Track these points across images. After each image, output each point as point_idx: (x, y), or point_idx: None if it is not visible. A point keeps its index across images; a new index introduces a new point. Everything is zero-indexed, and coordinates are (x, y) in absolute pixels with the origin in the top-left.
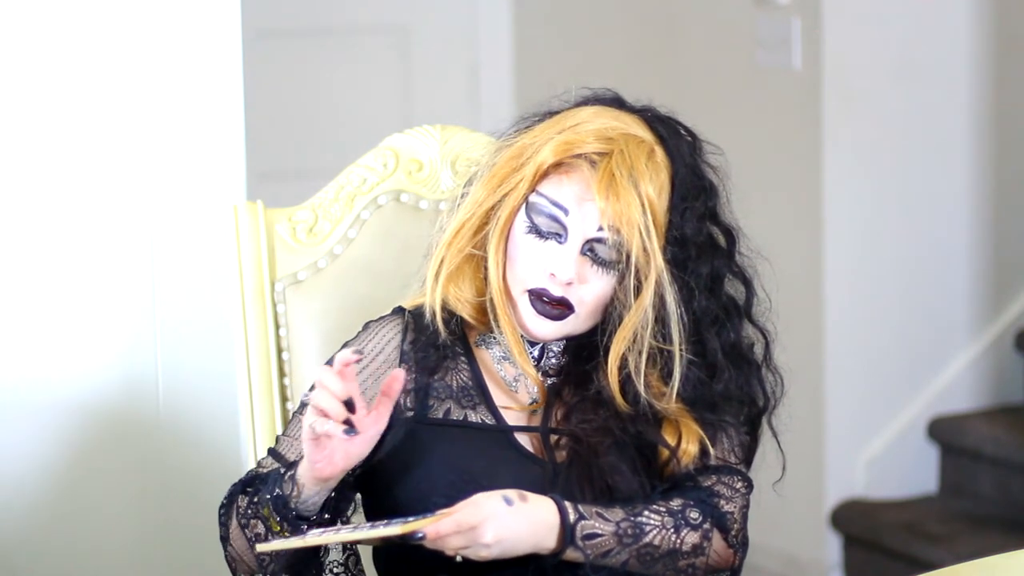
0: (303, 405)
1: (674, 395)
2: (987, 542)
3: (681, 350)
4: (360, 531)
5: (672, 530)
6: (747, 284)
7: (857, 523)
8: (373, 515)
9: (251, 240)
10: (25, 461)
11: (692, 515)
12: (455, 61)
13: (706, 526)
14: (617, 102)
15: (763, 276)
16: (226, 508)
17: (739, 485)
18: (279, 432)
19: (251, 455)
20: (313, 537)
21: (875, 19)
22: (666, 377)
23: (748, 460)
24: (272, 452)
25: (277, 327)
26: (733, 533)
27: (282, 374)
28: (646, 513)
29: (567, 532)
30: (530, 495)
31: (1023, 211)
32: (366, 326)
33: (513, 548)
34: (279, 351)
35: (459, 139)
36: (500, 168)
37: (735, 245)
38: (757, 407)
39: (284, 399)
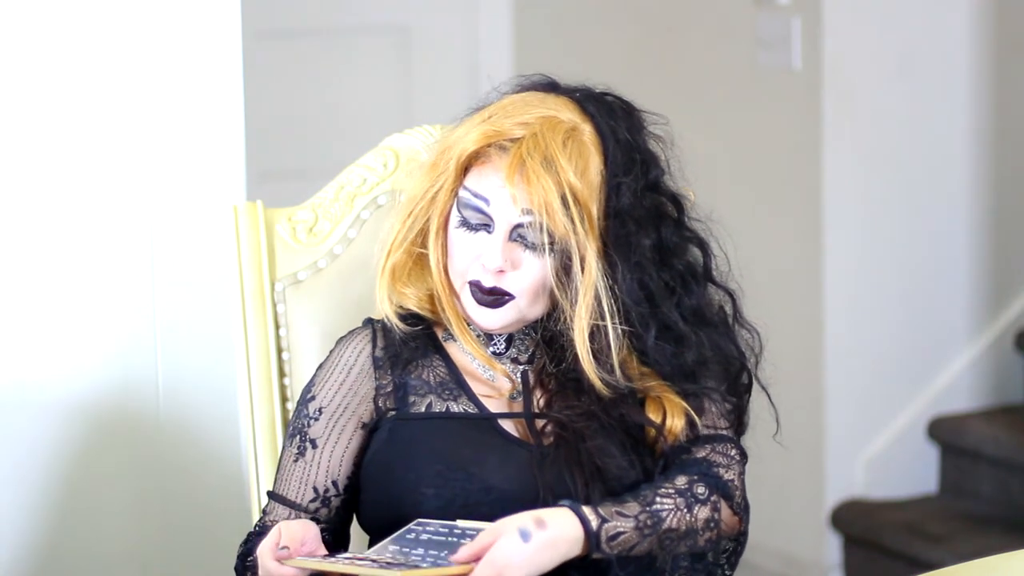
0: (292, 435)
1: (616, 366)
2: (987, 542)
3: (615, 325)
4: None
5: (685, 510)
6: (702, 248)
7: (857, 523)
8: (367, 512)
9: (251, 240)
10: (25, 461)
11: (699, 490)
12: (455, 61)
13: (713, 498)
14: (550, 86)
15: (719, 238)
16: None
17: (733, 452)
18: (278, 434)
19: (251, 455)
20: (342, 564)
21: (875, 19)
22: (639, 355)
23: (738, 425)
24: (272, 496)
25: (277, 327)
26: (737, 500)
27: (282, 374)
28: (658, 499)
29: (592, 540)
30: (547, 515)
31: (1023, 211)
32: (338, 342)
33: (541, 571)
34: (279, 351)
35: None
36: (431, 165)
37: (683, 212)
38: (736, 365)
39: (284, 399)
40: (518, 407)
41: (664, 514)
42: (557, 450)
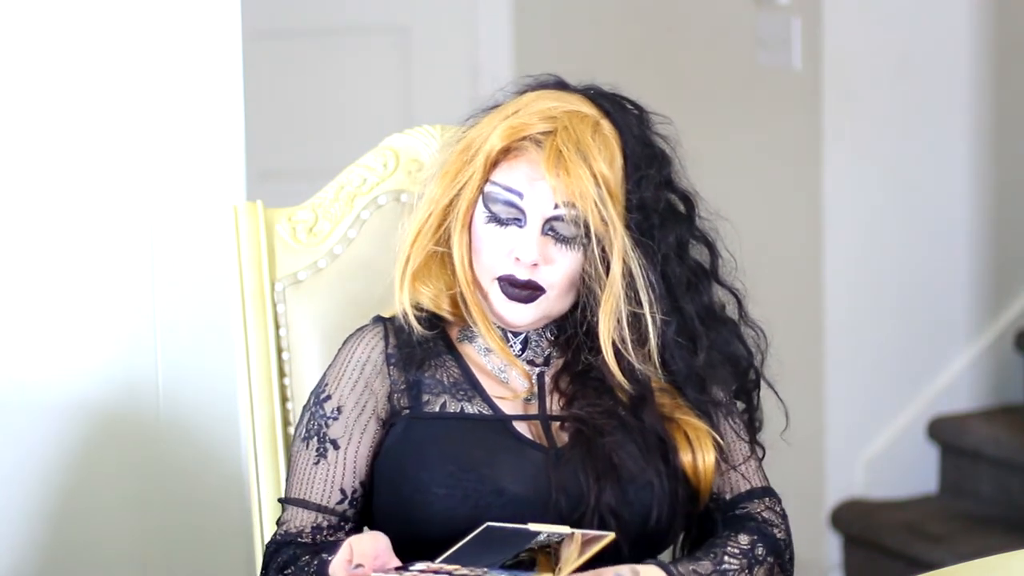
0: (307, 437)
1: (654, 355)
2: (987, 542)
3: (653, 313)
4: None
5: (747, 571)
6: (710, 247)
7: (857, 523)
8: (380, 512)
9: (251, 240)
10: (25, 461)
11: (759, 551)
12: (455, 61)
13: (770, 559)
14: (560, 84)
15: (725, 237)
16: None
17: (779, 508)
18: (278, 434)
19: (251, 455)
20: None
21: (875, 19)
22: (659, 351)
23: (750, 424)
24: (292, 501)
25: (277, 327)
26: (788, 558)
27: (282, 374)
28: (727, 559)
29: None
30: (639, 568)
31: (1023, 211)
32: (346, 341)
33: None
34: (279, 351)
35: None
36: (452, 164)
37: (694, 210)
38: (744, 364)
39: (284, 399)
40: (532, 409)
41: (731, 574)
42: (572, 449)
